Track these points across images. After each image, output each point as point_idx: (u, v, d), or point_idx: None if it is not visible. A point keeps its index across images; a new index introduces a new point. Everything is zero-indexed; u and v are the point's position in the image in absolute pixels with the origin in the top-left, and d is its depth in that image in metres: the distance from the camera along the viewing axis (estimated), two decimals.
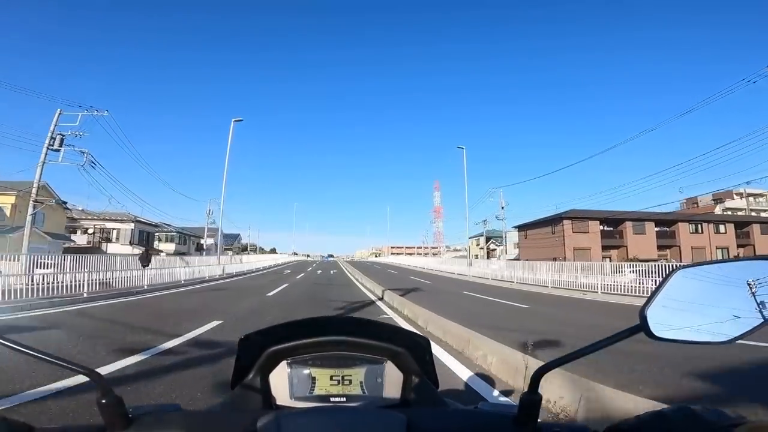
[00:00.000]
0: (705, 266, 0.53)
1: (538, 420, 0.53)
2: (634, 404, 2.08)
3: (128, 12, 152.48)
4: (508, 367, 3.54)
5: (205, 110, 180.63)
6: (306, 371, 0.75)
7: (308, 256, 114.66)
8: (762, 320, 0.47)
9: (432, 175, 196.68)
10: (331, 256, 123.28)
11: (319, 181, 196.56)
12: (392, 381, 0.76)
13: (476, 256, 51.45)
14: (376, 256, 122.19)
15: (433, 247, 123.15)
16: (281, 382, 0.75)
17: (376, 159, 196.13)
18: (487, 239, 65.63)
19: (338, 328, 0.77)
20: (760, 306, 0.48)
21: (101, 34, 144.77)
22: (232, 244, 69.33)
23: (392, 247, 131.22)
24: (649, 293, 0.52)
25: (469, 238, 73.89)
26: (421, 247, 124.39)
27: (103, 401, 0.50)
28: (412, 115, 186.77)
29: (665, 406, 0.55)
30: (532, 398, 0.52)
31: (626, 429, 0.51)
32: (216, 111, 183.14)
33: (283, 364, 0.75)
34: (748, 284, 0.49)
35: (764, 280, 0.48)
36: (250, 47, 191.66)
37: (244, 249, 69.25)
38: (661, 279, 0.53)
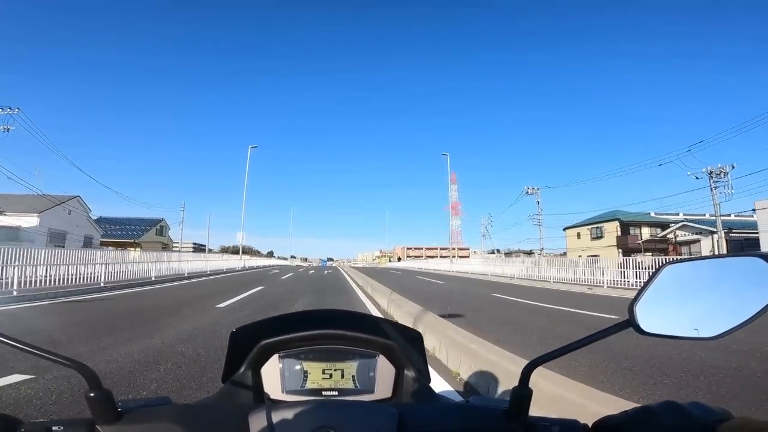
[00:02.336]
0: (693, 262, 0.54)
1: (528, 414, 0.54)
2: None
3: None
4: None
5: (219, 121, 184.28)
6: (298, 365, 0.75)
7: (306, 260, 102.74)
8: (749, 317, 0.48)
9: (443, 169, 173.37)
10: (330, 259, 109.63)
11: (317, 182, 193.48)
12: (384, 375, 0.76)
13: (582, 257, 22.09)
14: (389, 260, 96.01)
15: (460, 249, 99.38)
16: (273, 375, 0.75)
17: (379, 157, 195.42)
18: (625, 226, 35.36)
19: (331, 321, 0.78)
20: (747, 302, 0.48)
21: None
22: (140, 236, 36.93)
23: (408, 248, 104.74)
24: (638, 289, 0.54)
25: (566, 229, 44.23)
26: (445, 248, 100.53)
27: (92, 395, 0.50)
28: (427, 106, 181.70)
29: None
30: (522, 393, 0.53)
31: (614, 423, 0.52)
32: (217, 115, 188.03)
33: (275, 357, 0.75)
34: (736, 281, 0.50)
35: (752, 276, 0.48)
36: (248, 52, 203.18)
37: (171, 247, 37.74)
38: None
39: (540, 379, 2.24)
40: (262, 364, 0.75)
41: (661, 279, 0.52)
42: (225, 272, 21.97)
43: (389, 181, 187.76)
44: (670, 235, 31.95)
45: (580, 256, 31.02)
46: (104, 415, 0.51)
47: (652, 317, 0.52)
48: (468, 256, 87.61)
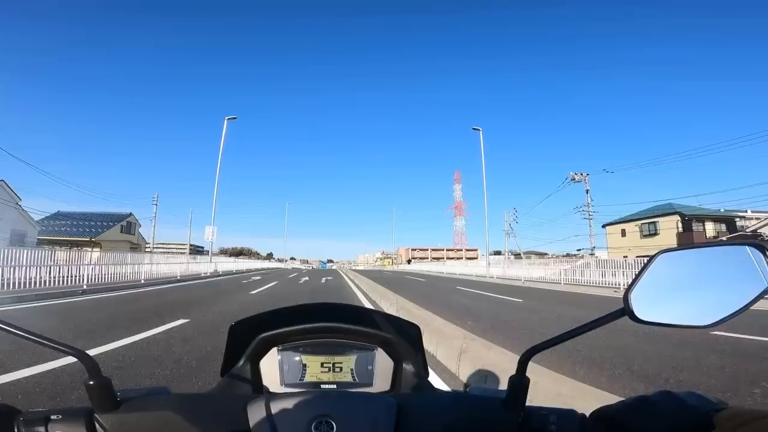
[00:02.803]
0: (688, 250, 0.53)
1: (526, 403, 0.54)
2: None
3: None
4: None
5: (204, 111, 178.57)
6: (297, 358, 0.75)
7: (307, 261, 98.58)
8: (742, 305, 0.47)
9: (451, 164, 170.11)
10: (330, 261, 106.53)
11: (317, 183, 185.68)
12: (383, 368, 0.77)
13: (628, 257, 15.54)
14: (392, 263, 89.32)
15: (467, 249, 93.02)
16: (272, 368, 0.75)
17: (380, 159, 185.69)
18: (687, 221, 28.91)
19: (329, 315, 0.78)
20: (741, 291, 0.48)
21: None
22: (99, 233, 30.67)
23: (412, 249, 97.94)
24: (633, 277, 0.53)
25: (605, 225, 37.58)
26: (452, 249, 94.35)
27: (91, 383, 0.50)
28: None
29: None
30: (520, 381, 0.53)
31: (611, 413, 0.52)
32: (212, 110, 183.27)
33: (274, 350, 0.76)
34: (730, 269, 0.50)
35: (745, 265, 0.48)
36: (245, 45, 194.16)
37: (143, 247, 31.87)
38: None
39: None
40: (261, 357, 0.75)
41: (655, 267, 0.52)
42: (175, 282, 15.14)
43: (389, 182, 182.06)
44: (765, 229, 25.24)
45: (626, 256, 24.52)
46: (103, 404, 0.50)
47: (646, 305, 0.51)
48: (476, 258, 78.30)
